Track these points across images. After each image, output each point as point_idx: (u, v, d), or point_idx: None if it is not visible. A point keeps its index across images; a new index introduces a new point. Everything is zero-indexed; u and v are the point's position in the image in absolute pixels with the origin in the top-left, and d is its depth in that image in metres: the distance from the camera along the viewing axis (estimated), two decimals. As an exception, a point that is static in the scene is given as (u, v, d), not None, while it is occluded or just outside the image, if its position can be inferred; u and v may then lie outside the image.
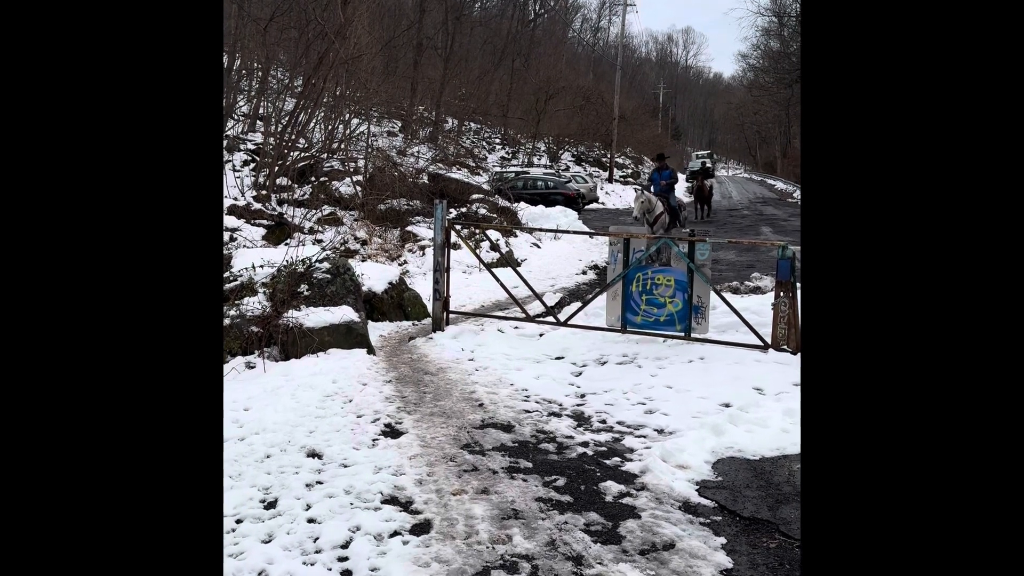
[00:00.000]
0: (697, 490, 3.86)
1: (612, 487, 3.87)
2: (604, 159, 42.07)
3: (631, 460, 4.26)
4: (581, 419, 5.07)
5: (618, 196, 33.84)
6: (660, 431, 4.78)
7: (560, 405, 5.38)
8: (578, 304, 8.24)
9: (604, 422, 5.01)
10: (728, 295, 7.71)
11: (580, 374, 6.28)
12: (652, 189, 12.27)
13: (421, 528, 3.39)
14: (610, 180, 38.52)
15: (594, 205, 27.71)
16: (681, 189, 26.59)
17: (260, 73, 19.43)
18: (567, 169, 35.27)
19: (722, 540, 3.32)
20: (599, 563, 3.10)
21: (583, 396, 5.62)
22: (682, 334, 6.93)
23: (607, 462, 4.25)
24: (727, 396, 5.34)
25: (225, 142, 16.06)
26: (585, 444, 4.54)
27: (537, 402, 5.44)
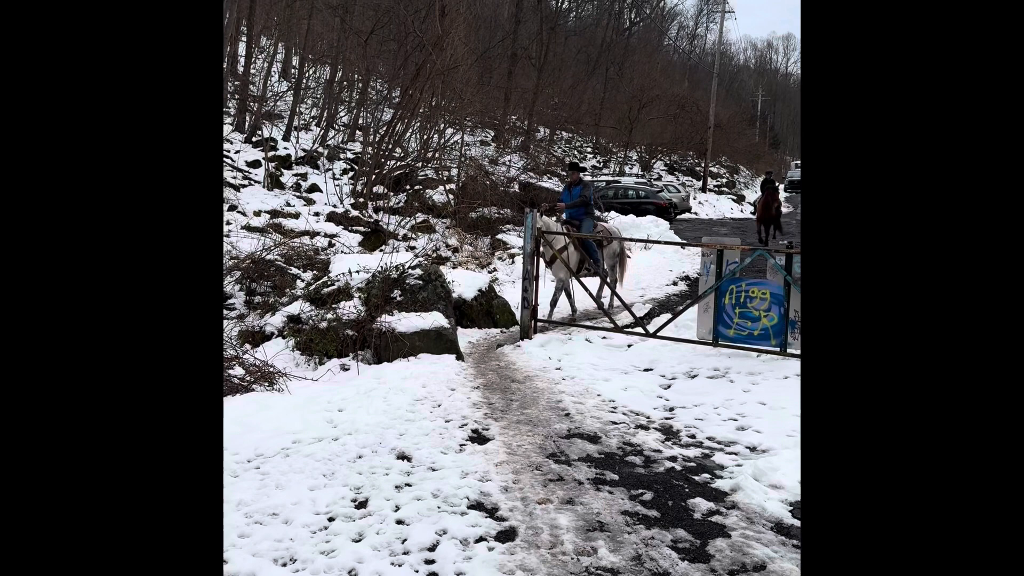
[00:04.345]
0: (791, 511, 3.72)
1: (701, 504, 3.78)
2: (698, 168, 41.28)
3: (721, 477, 4.15)
4: (669, 433, 4.98)
5: (711, 206, 33.13)
6: (752, 449, 4.64)
7: (648, 418, 5.31)
8: (668, 315, 8.10)
9: (693, 437, 4.90)
10: (827, 310, 7.41)
11: (669, 387, 6.17)
12: (568, 215, 9.55)
13: (506, 535, 3.41)
14: (704, 189, 37.76)
15: (686, 215, 27.21)
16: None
17: (360, 84, 20.08)
18: (659, 178, 34.83)
19: (817, 565, 3.18)
20: (686, 581, 3.03)
21: (672, 409, 5.52)
22: (777, 349, 6.71)
23: (696, 478, 4.16)
24: (824, 415, 5.12)
25: (326, 151, 16.68)
26: (673, 459, 4.46)
27: (624, 414, 5.38)
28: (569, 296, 9.26)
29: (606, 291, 9.60)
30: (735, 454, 4.56)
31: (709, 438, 4.86)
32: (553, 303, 9.08)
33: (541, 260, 8.43)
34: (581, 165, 11.13)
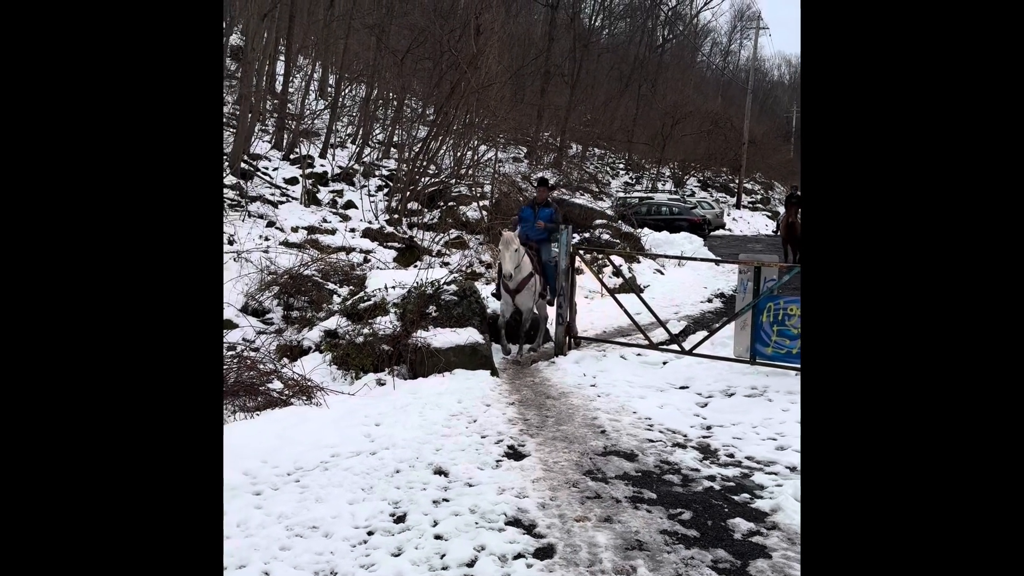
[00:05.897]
0: (833, 534, 3.66)
1: (741, 524, 3.73)
2: (732, 184, 40.97)
3: (761, 497, 4.10)
4: (707, 452, 4.93)
5: (746, 222, 32.87)
6: (793, 468, 4.57)
7: (685, 436, 5.26)
8: (704, 333, 8.04)
9: (732, 456, 4.85)
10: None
11: (706, 405, 6.11)
12: (528, 235, 8.51)
13: (544, 552, 3.40)
14: (738, 206, 37.47)
15: (720, 231, 27.00)
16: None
17: (395, 103, 20.34)
18: (692, 194, 34.65)
19: (862, 589, 3.12)
20: (727, 603, 3.00)
21: (709, 428, 5.46)
22: (816, 368, 6.61)
23: (735, 498, 4.11)
24: (866, 436, 5.03)
25: (362, 168, 16.90)
26: (712, 478, 4.42)
27: (661, 431, 5.34)
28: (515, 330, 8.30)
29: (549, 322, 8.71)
30: (775, 474, 4.50)
31: (748, 457, 4.81)
32: (513, 337, 8.28)
33: (507, 284, 7.93)
34: (551, 182, 9.19)
